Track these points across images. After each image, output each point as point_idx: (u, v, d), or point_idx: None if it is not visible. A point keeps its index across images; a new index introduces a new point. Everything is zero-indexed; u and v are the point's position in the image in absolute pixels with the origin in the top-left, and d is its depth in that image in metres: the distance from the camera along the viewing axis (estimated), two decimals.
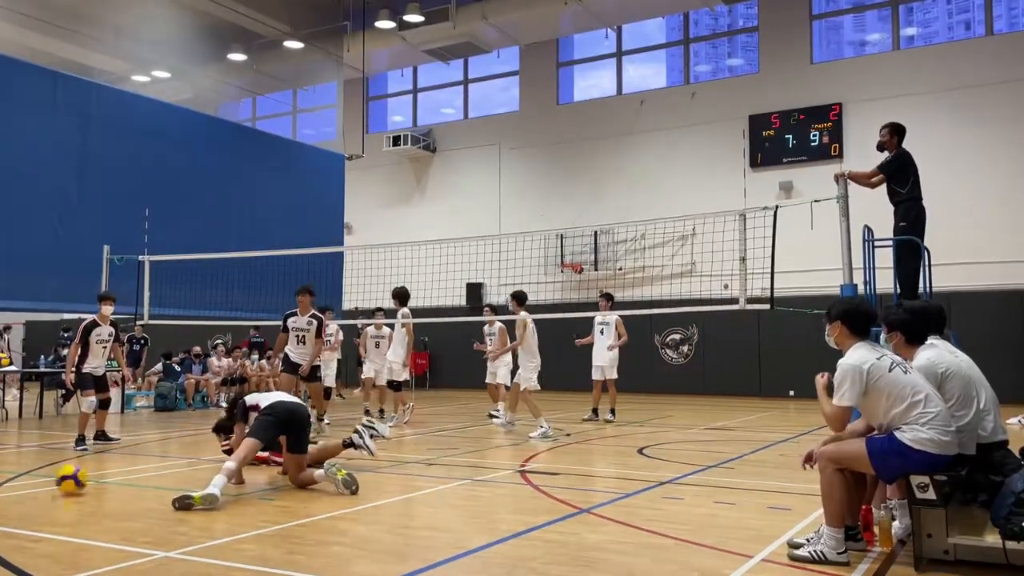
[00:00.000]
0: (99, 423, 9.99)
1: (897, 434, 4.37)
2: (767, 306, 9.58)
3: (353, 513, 5.88)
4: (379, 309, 14.05)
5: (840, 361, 4.56)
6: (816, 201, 9.04)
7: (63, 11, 20.35)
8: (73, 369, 9.66)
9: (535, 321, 14.70)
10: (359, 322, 16.45)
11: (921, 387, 4.45)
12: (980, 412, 4.65)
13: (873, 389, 4.44)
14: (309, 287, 10.85)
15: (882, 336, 5.17)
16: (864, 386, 4.44)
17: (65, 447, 9.53)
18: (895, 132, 8.59)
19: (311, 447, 7.28)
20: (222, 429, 7.78)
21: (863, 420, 4.72)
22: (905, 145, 8.68)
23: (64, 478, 6.52)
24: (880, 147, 8.70)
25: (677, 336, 20.66)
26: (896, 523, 4.86)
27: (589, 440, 10.57)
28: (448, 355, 22.45)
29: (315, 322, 10.62)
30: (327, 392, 13.49)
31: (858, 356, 4.52)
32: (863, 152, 17.68)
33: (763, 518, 5.72)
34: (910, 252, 8.34)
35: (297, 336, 10.62)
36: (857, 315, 4.66)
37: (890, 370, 4.45)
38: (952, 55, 18.87)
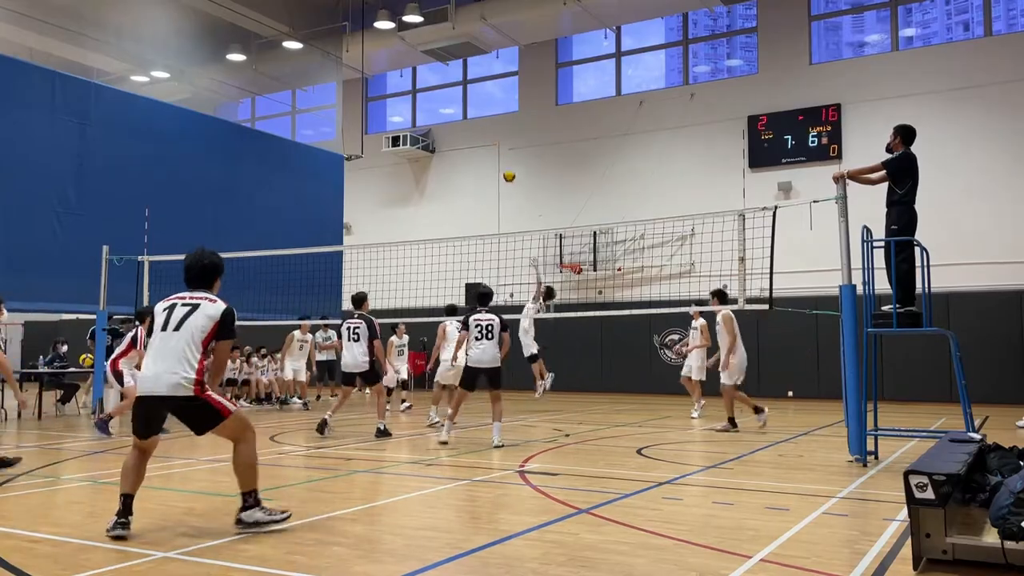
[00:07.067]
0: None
1: None
2: (766, 306, 9.60)
3: (353, 513, 5.88)
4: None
5: None
6: (815, 202, 9.06)
7: (63, 11, 20.36)
8: None
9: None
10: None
11: None
12: None
13: None
14: None
15: None
16: None
17: (64, 447, 9.53)
18: (899, 134, 8.58)
19: None
20: None
21: None
22: None
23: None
24: (888, 149, 8.70)
25: (676, 336, 20.65)
26: None
27: (588, 441, 10.58)
28: None
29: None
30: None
31: None
32: (862, 152, 17.72)
33: (761, 518, 5.73)
34: (900, 255, 8.35)
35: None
36: None
37: None
38: (951, 56, 18.89)
